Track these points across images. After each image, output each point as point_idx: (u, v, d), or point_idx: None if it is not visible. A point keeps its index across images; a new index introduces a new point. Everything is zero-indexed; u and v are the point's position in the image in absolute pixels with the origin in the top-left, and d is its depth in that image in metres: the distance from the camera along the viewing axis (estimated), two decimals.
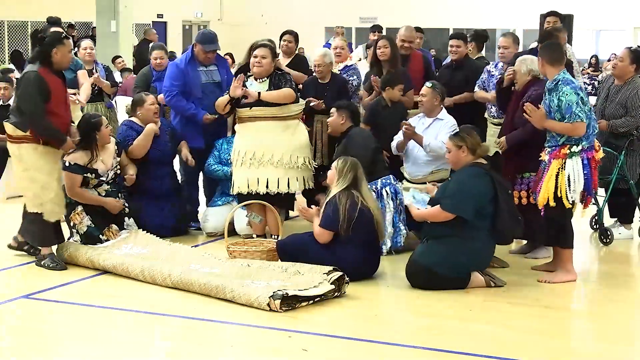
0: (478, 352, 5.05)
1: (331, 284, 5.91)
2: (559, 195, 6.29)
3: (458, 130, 6.63)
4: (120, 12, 18.55)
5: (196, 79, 7.81)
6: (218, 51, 8.03)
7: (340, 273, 6.01)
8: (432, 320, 5.64)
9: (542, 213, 6.44)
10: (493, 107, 8.07)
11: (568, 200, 6.31)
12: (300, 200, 8.06)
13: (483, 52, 9.35)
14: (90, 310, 5.84)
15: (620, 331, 5.58)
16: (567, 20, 9.06)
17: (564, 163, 6.31)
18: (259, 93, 7.19)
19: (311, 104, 7.87)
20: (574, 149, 6.31)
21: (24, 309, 5.90)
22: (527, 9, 25.71)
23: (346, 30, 29.37)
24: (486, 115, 8.34)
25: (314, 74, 8.30)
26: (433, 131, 7.49)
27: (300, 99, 7.56)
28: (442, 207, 6.17)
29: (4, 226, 8.40)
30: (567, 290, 6.37)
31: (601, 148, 6.53)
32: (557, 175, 6.32)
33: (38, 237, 6.86)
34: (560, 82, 6.33)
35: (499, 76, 7.63)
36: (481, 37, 9.32)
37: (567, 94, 6.26)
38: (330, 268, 6.05)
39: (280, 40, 8.93)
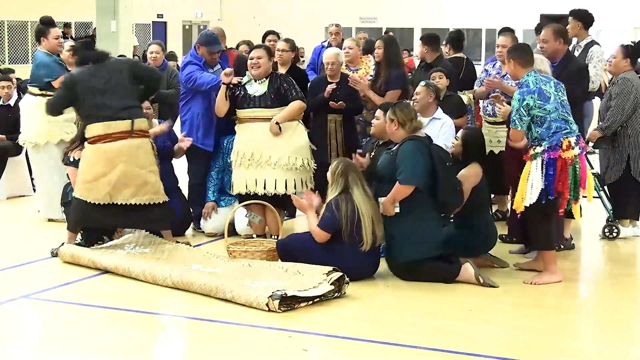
0: (478, 352, 5.05)
1: (331, 284, 5.91)
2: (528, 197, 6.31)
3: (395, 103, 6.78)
4: (120, 12, 18.56)
5: None
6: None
7: (340, 273, 6.01)
8: (432, 320, 5.64)
9: (518, 216, 6.45)
10: (489, 105, 8.07)
11: (526, 203, 6.29)
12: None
13: (484, 53, 9.41)
14: (90, 310, 5.84)
15: (620, 331, 5.58)
16: (566, 21, 9.00)
17: (531, 165, 6.36)
18: (277, 124, 7.13)
19: (328, 93, 7.86)
20: (537, 149, 6.33)
21: (24, 309, 5.90)
22: (527, 9, 25.74)
23: (346, 30, 29.42)
24: (481, 113, 8.37)
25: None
26: (432, 131, 7.48)
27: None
28: (401, 182, 6.29)
29: (5, 226, 8.41)
30: (567, 291, 6.36)
31: (572, 147, 6.37)
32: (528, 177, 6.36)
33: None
34: (522, 84, 6.37)
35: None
36: (454, 39, 9.47)
37: (513, 99, 6.36)
38: (331, 268, 6.05)
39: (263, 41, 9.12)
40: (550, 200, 6.30)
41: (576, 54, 8.58)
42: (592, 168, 8.01)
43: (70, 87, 6.96)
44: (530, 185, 6.29)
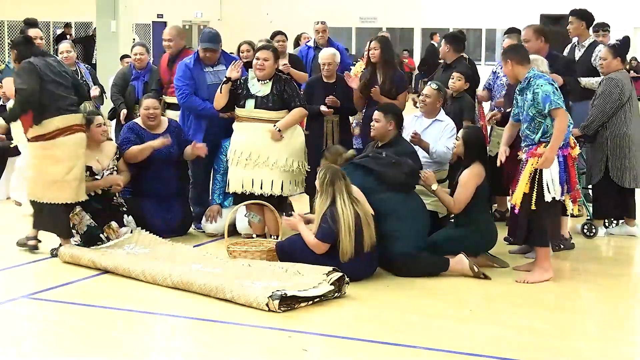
0: (478, 352, 5.06)
1: (331, 284, 5.92)
2: (535, 194, 6.31)
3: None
4: (120, 12, 18.51)
5: (202, 80, 7.75)
6: (222, 49, 8.01)
7: (340, 273, 6.01)
8: (432, 320, 5.64)
9: (516, 211, 6.46)
10: (495, 108, 8.08)
11: (548, 199, 6.31)
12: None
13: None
14: (90, 310, 5.84)
15: (620, 331, 5.59)
16: (566, 21, 8.98)
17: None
18: (279, 130, 7.14)
19: (322, 108, 7.88)
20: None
21: (24, 309, 5.90)
22: (527, 9, 25.73)
23: (346, 30, 29.43)
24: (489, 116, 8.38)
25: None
26: (433, 133, 7.47)
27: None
28: None
29: (5, 226, 8.41)
30: (567, 291, 6.37)
31: (577, 145, 6.52)
32: (533, 175, 6.34)
33: None
34: (532, 78, 6.38)
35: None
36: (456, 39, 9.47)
37: (541, 85, 6.32)
38: (331, 268, 6.05)
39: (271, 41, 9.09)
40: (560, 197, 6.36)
41: (578, 53, 8.58)
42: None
43: (33, 71, 6.71)
44: (547, 182, 6.28)
